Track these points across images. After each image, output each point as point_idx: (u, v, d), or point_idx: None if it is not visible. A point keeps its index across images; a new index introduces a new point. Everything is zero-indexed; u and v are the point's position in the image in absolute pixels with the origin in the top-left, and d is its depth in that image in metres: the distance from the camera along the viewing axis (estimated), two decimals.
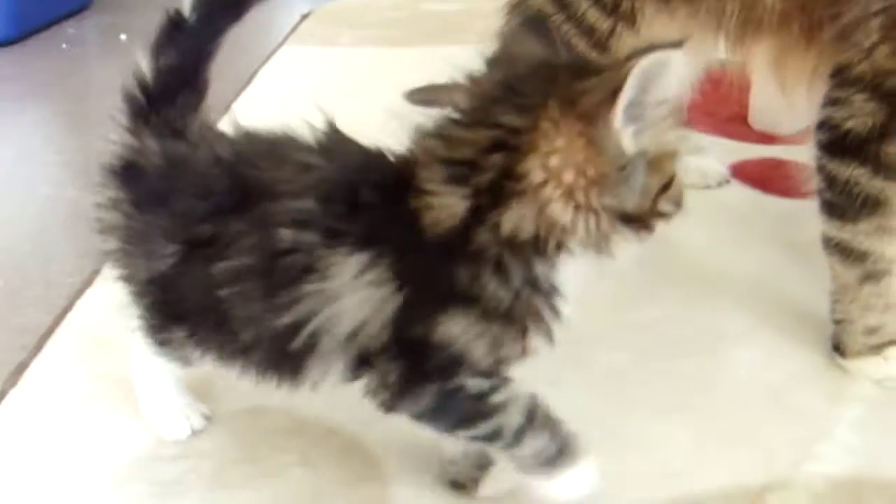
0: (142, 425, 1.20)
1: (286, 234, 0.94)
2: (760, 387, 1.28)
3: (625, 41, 1.44)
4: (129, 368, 1.21)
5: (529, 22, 0.97)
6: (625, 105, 0.86)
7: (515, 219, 0.90)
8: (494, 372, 0.96)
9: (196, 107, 1.09)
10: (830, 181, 1.24)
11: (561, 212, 0.89)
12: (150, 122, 1.07)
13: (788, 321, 1.40)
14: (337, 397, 1.02)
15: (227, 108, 2.12)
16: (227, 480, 1.12)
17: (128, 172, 1.07)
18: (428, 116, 0.97)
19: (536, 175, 0.89)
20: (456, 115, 0.94)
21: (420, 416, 0.99)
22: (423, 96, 2.06)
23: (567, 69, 0.91)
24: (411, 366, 0.96)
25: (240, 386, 1.16)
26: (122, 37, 2.78)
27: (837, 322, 1.31)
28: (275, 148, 1.01)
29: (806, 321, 1.39)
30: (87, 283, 1.53)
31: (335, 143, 1.00)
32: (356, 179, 0.96)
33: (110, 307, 1.41)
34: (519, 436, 0.97)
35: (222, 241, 0.98)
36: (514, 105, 0.90)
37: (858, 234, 1.25)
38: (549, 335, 0.96)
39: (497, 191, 0.90)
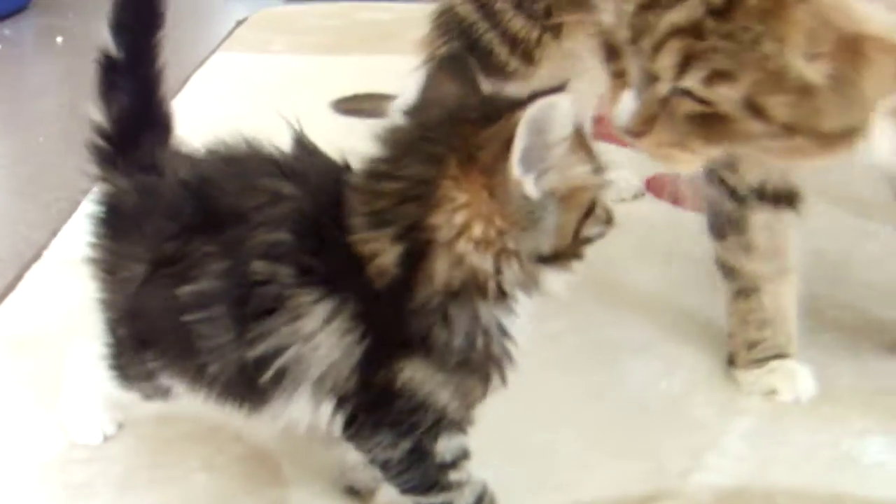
0: (54, 429, 1.23)
1: (259, 266, 0.94)
2: (657, 396, 1.33)
3: (549, 51, 1.49)
4: (47, 371, 1.24)
5: (448, 60, 1.00)
6: (519, 154, 0.87)
7: (441, 269, 0.91)
8: (465, 420, 1.00)
9: (164, 140, 1.09)
10: (706, 200, 1.31)
11: (480, 260, 0.91)
12: (118, 166, 1.07)
13: (690, 332, 1.45)
14: None
15: None
16: (135, 484, 1.16)
17: (107, 215, 1.07)
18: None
19: (447, 230, 0.90)
20: (373, 166, 0.95)
21: (386, 468, 1.01)
22: (349, 105, 2.12)
23: (471, 119, 0.92)
24: (379, 412, 0.98)
25: None
26: (59, 39, 2.79)
27: (729, 335, 1.36)
28: (244, 170, 1.00)
29: (707, 333, 1.44)
30: (10, 287, 1.55)
31: (306, 165, 1.00)
32: (326, 214, 0.95)
33: (30, 313, 1.46)
34: None
35: (188, 261, 0.97)
36: (423, 156, 0.92)
37: (727, 251, 1.32)
38: (503, 377, 0.99)
39: (418, 242, 0.91)
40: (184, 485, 1.15)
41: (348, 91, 2.20)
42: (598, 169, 0.96)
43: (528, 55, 1.50)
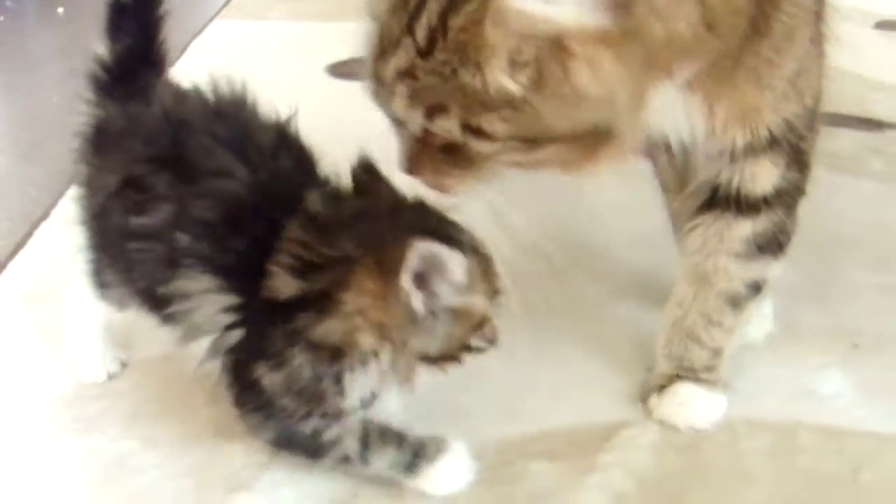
0: (65, 371, 1.32)
1: (182, 239, 1.06)
2: (629, 336, 1.41)
3: None
4: (57, 319, 1.33)
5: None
6: (409, 275, 0.99)
7: (328, 327, 1.02)
8: (321, 414, 1.09)
9: (157, 77, 1.21)
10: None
11: (365, 339, 1.03)
12: (113, 95, 1.19)
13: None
14: None
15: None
16: (143, 417, 1.25)
17: (94, 136, 1.19)
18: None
19: (350, 305, 1.02)
20: (318, 220, 1.06)
21: (275, 445, 1.14)
22: (344, 69, 2.21)
23: (395, 228, 1.03)
24: (238, 391, 1.10)
25: (154, 335, 1.28)
26: (60, 10, 2.83)
27: None
28: (221, 130, 1.11)
29: None
30: (20, 245, 1.63)
31: (280, 151, 1.12)
32: (257, 207, 1.07)
33: (39, 268, 1.54)
34: (364, 457, 1.10)
35: (148, 193, 1.09)
36: (354, 243, 1.03)
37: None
38: (330, 419, 1.09)
39: (321, 299, 1.02)
40: (189, 418, 1.24)
41: (344, 56, 2.27)
42: (496, 294, 1.07)
43: None
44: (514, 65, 0.91)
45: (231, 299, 1.06)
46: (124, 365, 1.33)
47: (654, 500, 0.98)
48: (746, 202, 1.17)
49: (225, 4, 2.79)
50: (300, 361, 1.04)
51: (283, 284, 1.03)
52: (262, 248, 1.05)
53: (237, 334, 1.07)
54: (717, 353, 1.26)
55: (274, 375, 1.05)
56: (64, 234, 1.63)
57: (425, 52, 0.93)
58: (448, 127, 0.96)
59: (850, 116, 2.06)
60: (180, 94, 1.18)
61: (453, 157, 1.01)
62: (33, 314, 1.44)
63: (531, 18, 0.88)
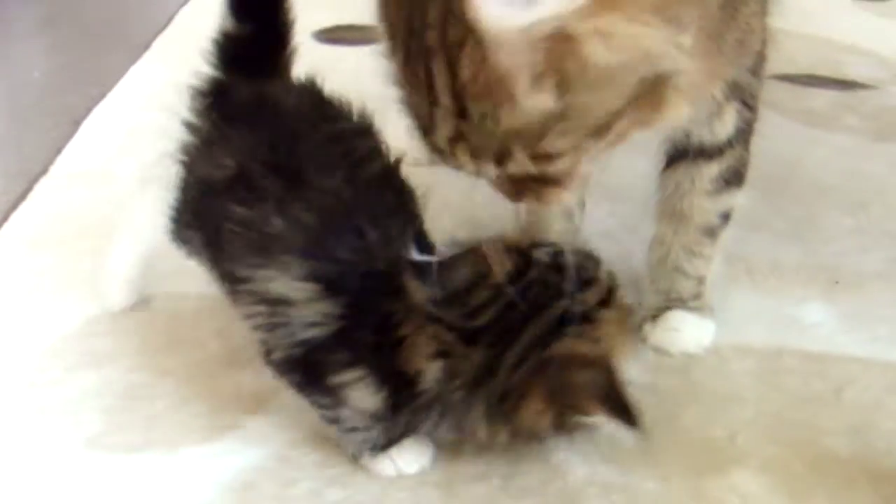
0: (73, 310, 1.36)
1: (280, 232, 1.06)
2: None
3: None
4: (61, 266, 1.39)
5: None
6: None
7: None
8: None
9: (283, 54, 1.22)
10: None
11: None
12: (237, 66, 1.19)
13: None
14: None
15: (146, 46, 2.26)
16: (153, 351, 1.28)
17: (217, 98, 1.19)
18: None
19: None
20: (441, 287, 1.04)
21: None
22: (331, 35, 2.26)
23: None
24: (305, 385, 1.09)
25: (163, 272, 1.33)
26: None
27: None
28: (338, 149, 1.11)
29: None
30: (22, 197, 1.66)
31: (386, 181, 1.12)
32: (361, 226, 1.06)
33: (42, 218, 1.58)
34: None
35: (258, 191, 1.08)
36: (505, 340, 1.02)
37: None
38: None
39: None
40: (198, 351, 1.28)
41: (330, 23, 2.32)
42: None
43: None
44: (536, 79, 0.88)
45: (328, 307, 1.04)
46: (144, 301, 1.37)
47: (648, 418, 1.02)
48: (712, 147, 1.25)
49: None
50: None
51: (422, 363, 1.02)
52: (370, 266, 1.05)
53: (321, 334, 1.05)
54: (700, 280, 1.32)
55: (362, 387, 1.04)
56: (65, 187, 1.68)
57: (460, 114, 0.91)
58: (519, 166, 0.94)
59: (826, 77, 2.15)
60: (303, 91, 1.19)
61: (542, 180, 0.99)
62: (37, 261, 1.47)
63: (522, 28, 0.85)
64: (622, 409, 1.00)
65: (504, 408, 1.02)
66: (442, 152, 0.97)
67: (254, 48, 1.20)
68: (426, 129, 0.96)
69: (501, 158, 0.94)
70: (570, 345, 1.02)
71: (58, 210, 1.62)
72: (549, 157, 0.94)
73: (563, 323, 1.03)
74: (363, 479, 1.10)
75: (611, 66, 0.88)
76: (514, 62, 0.87)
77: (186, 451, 1.14)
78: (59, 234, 1.54)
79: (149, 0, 2.62)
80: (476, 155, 0.94)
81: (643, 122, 0.96)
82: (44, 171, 1.74)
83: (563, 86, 0.88)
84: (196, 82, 1.20)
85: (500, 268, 1.05)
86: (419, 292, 1.03)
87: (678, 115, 0.97)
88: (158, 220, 1.23)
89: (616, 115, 0.93)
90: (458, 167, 0.98)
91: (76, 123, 1.91)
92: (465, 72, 0.88)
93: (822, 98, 2.05)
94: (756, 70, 1.23)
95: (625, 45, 0.87)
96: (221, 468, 1.11)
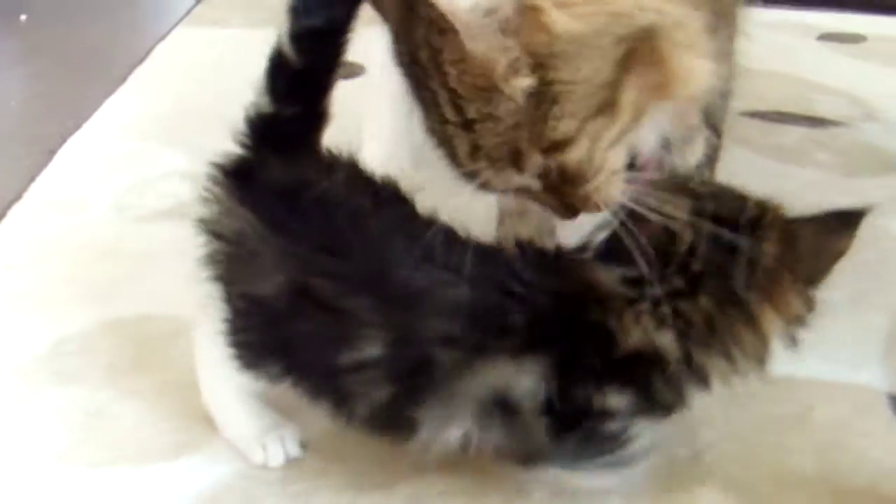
0: (45, 332, 1.36)
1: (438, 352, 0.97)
2: None
3: None
4: (32, 290, 1.42)
5: None
6: None
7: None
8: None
9: (318, 135, 1.08)
10: None
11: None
12: (268, 143, 1.06)
13: None
14: None
15: (124, 79, 2.27)
16: (120, 370, 1.29)
17: (242, 178, 1.06)
18: None
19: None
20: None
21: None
22: None
23: None
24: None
25: (129, 293, 1.33)
26: (23, 17, 2.86)
27: None
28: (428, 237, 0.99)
29: None
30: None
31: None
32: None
33: (16, 242, 1.59)
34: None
35: (346, 319, 0.98)
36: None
37: None
38: None
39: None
40: (165, 371, 1.28)
41: None
42: None
43: None
44: (512, 63, 0.89)
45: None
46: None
47: None
48: (685, 174, 1.25)
49: (188, 12, 2.84)
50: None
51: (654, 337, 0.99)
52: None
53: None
54: None
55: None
56: (39, 214, 1.69)
57: (465, 125, 0.92)
58: (536, 162, 0.93)
59: (796, 115, 2.17)
60: (339, 167, 1.07)
61: (574, 177, 0.96)
62: (10, 285, 1.49)
63: (486, 11, 0.87)
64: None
65: (754, 318, 1.00)
66: (470, 174, 0.96)
67: (292, 128, 1.06)
68: (452, 155, 0.97)
69: (516, 160, 0.93)
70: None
71: (31, 235, 1.63)
72: (558, 146, 0.93)
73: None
74: (327, 496, 1.10)
75: (580, 33, 0.88)
76: (488, 47, 0.88)
77: (151, 468, 1.14)
78: (31, 257, 1.55)
79: (128, 33, 2.63)
80: (493, 163, 0.94)
81: (656, 89, 0.94)
82: (17, 197, 1.75)
83: (539, 63, 0.89)
84: (219, 164, 1.08)
85: (679, 212, 0.98)
86: (609, 279, 0.99)
87: (698, 74, 0.95)
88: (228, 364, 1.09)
89: (613, 87, 0.92)
90: (488, 186, 0.97)
91: (51, 153, 1.91)
92: (452, 74, 0.90)
93: (792, 134, 2.07)
94: (725, 93, 1.26)
95: (587, 9, 0.88)
96: (186, 485, 1.11)
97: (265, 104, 1.04)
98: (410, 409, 0.99)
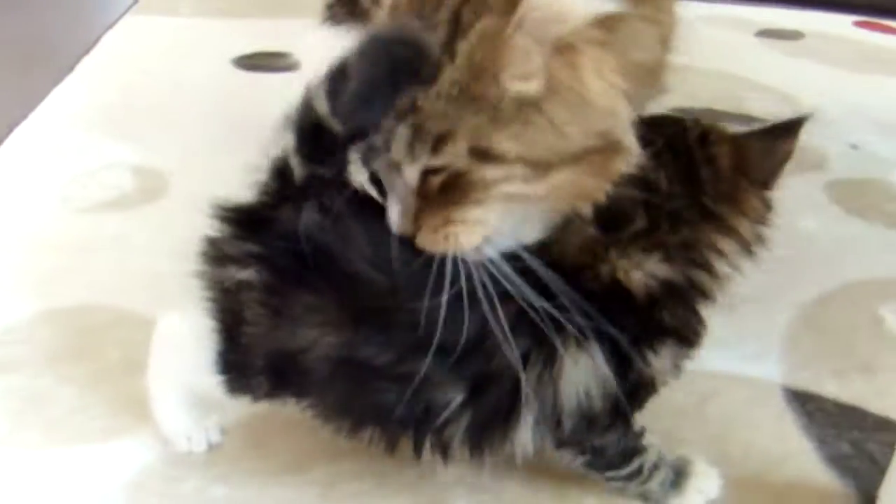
0: None
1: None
2: None
3: None
4: None
5: None
6: None
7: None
8: None
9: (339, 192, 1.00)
10: None
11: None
12: (289, 197, 1.00)
13: None
14: (157, 291, 1.21)
15: (71, 68, 2.31)
16: (58, 359, 1.35)
17: (253, 223, 1.01)
18: None
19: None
20: None
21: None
22: (250, 62, 2.25)
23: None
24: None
25: (70, 282, 1.39)
26: None
27: None
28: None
29: None
30: None
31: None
32: None
33: None
34: (651, 471, 1.14)
35: (414, 379, 0.98)
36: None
37: None
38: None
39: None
40: (99, 359, 1.34)
41: (249, 49, 2.41)
42: None
43: None
44: (531, 71, 0.90)
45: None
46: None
47: None
48: None
49: (137, 0, 2.87)
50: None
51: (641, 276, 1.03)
52: None
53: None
54: None
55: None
56: None
57: (428, 80, 0.91)
58: (455, 153, 0.92)
59: (727, 113, 2.23)
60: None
61: (453, 196, 0.95)
62: None
63: (556, 14, 0.88)
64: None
65: (726, 219, 1.04)
66: (385, 135, 0.94)
67: (315, 183, 0.99)
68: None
69: (440, 143, 0.92)
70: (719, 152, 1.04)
71: None
72: (485, 156, 0.92)
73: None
74: (245, 477, 1.17)
75: (595, 96, 0.92)
76: (525, 45, 0.89)
77: (83, 450, 1.20)
78: None
79: (74, 22, 2.67)
80: (416, 134, 0.93)
81: (577, 186, 0.97)
82: None
83: (550, 89, 0.91)
84: (226, 214, 1.02)
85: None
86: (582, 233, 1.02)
87: (598, 200, 0.98)
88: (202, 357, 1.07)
89: (562, 161, 0.94)
90: (385, 158, 0.96)
91: None
92: (466, 44, 0.90)
93: None
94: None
95: (609, 83, 0.92)
96: (116, 467, 1.18)
97: (295, 164, 0.98)
98: (500, 434, 1.04)
